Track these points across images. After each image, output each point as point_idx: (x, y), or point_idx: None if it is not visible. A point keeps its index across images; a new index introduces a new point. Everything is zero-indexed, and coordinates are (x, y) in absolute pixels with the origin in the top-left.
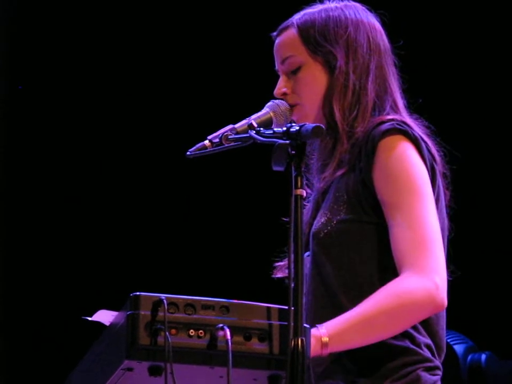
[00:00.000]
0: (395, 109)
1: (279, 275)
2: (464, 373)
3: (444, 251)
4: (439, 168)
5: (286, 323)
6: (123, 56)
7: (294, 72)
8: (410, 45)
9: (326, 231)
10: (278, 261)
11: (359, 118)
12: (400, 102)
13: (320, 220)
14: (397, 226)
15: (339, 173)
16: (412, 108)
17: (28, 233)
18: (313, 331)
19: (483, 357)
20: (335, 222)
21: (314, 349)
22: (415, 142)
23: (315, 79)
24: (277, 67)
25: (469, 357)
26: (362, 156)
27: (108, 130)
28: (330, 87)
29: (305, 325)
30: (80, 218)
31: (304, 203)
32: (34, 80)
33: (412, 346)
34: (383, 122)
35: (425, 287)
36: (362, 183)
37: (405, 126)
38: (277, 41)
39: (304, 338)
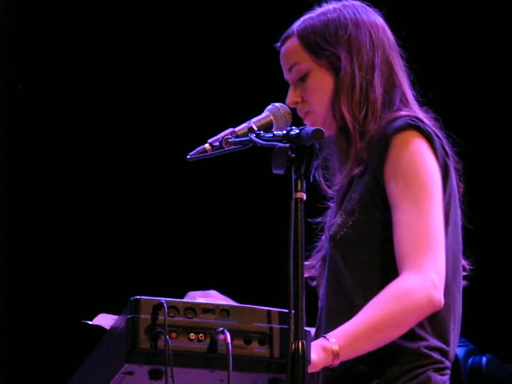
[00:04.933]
0: (405, 102)
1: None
2: (464, 376)
3: (460, 247)
4: (451, 163)
5: (286, 326)
6: (124, 57)
7: (302, 79)
8: (414, 36)
9: (342, 233)
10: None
11: (369, 116)
12: (410, 94)
13: (336, 221)
14: (400, 222)
15: (355, 171)
16: (422, 101)
17: (28, 236)
18: (323, 342)
19: (484, 359)
20: (350, 223)
21: (326, 361)
22: (428, 138)
23: (322, 83)
24: (285, 77)
25: (470, 360)
26: (375, 153)
27: (108, 134)
28: (337, 88)
29: (305, 328)
30: (80, 221)
31: (329, 204)
32: (34, 80)
33: (424, 350)
34: (396, 118)
35: (423, 286)
36: (376, 181)
37: (418, 121)
38: (281, 51)
39: (304, 342)
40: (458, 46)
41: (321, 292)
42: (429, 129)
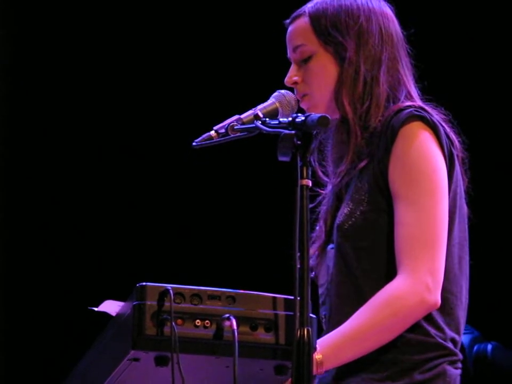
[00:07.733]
0: (410, 99)
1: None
2: (470, 363)
3: (467, 236)
4: (457, 153)
5: (292, 313)
6: (124, 44)
7: (305, 61)
8: (422, 33)
9: (350, 222)
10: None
11: (372, 110)
12: (415, 92)
13: (343, 211)
14: (401, 221)
15: (361, 165)
16: (426, 95)
17: (35, 222)
18: None
19: (489, 347)
20: (358, 213)
21: None
22: (434, 128)
23: (325, 69)
24: (288, 55)
25: (475, 347)
26: (381, 144)
27: (112, 121)
28: (340, 78)
29: (311, 315)
30: (86, 208)
31: (322, 192)
32: (34, 80)
33: (440, 341)
34: (401, 110)
35: (415, 290)
36: (381, 172)
37: (423, 112)
38: (289, 29)
39: (310, 328)
40: (461, 45)
41: (323, 280)
42: (434, 119)
